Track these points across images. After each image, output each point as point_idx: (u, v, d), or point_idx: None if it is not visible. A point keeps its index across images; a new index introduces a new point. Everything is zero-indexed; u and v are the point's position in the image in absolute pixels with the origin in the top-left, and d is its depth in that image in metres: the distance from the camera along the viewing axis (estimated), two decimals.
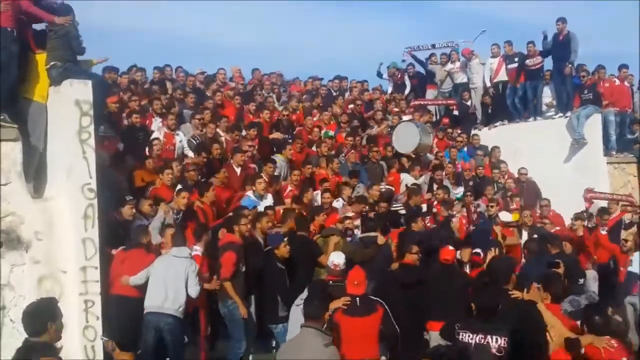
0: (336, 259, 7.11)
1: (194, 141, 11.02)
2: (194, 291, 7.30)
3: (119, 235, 8.13)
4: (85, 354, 6.89)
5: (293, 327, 6.51)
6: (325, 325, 5.35)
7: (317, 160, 11.63)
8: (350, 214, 9.44)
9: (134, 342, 7.14)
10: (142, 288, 7.38)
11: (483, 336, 4.91)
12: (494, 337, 4.88)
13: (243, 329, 7.85)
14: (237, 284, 7.82)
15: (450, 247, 7.85)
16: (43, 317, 4.54)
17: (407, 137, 12.76)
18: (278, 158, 11.18)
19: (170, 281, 7.23)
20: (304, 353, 5.02)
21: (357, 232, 9.30)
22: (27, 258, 7.03)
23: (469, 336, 4.93)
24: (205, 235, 8.11)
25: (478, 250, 8.25)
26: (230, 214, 8.90)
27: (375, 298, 6.35)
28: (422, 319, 7.51)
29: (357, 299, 6.15)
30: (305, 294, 6.53)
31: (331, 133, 12.78)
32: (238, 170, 10.48)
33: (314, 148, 12.21)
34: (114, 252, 7.82)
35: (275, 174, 10.68)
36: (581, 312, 5.64)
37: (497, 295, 5.61)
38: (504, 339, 4.86)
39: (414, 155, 12.72)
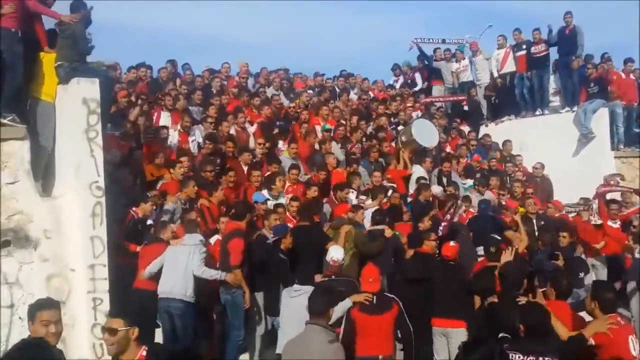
0: (335, 254, 7.01)
1: None
2: (197, 269, 7.40)
3: (138, 231, 8.25)
4: (94, 352, 6.92)
5: (286, 318, 6.59)
6: (329, 322, 5.39)
7: (321, 158, 11.49)
8: (372, 207, 9.38)
9: (149, 333, 7.24)
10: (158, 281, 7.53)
11: (535, 358, 4.81)
12: (546, 359, 4.81)
13: (243, 317, 7.79)
14: (243, 271, 7.74)
15: (452, 243, 7.69)
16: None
17: (430, 130, 12.62)
18: (284, 156, 11.18)
19: (179, 267, 7.35)
20: (309, 350, 5.05)
21: (366, 224, 9.19)
22: (35, 256, 7.06)
23: (519, 357, 4.88)
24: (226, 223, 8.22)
25: None
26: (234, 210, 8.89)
27: (391, 295, 6.37)
28: (429, 311, 7.41)
29: (374, 296, 6.19)
30: (297, 286, 6.58)
31: (328, 126, 12.66)
32: (245, 168, 10.57)
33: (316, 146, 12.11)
34: (138, 249, 7.95)
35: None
36: (581, 304, 5.70)
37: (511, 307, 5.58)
38: None
39: (434, 152, 12.59)
